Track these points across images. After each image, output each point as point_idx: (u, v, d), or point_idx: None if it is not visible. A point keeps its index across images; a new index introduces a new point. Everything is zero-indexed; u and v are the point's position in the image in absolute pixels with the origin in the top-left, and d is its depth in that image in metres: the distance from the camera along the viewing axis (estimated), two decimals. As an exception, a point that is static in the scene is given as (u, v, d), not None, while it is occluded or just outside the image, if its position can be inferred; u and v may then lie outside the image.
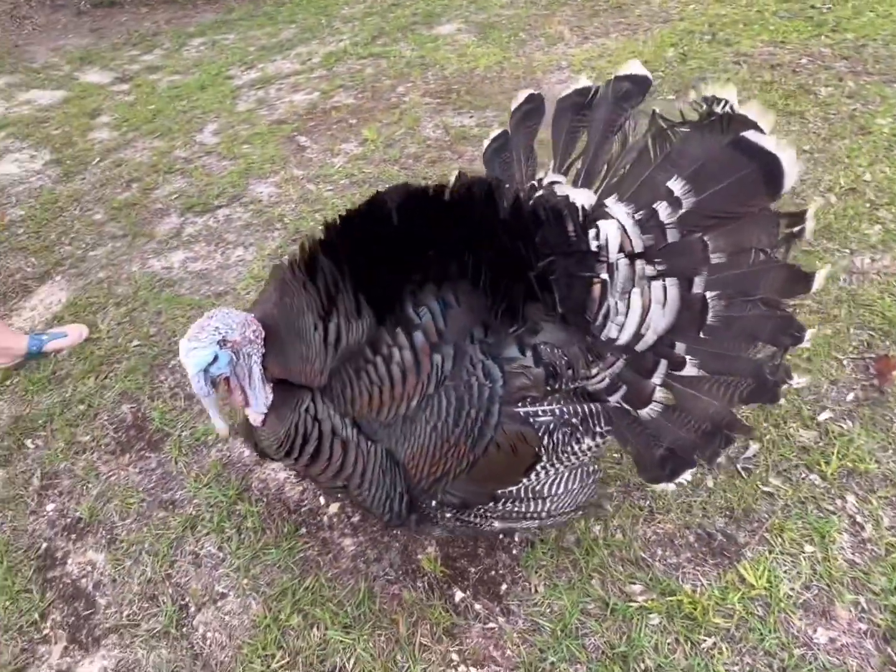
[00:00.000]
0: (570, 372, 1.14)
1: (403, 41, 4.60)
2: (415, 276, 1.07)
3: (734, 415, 1.18)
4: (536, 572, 1.44)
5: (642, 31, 4.15)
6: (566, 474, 1.25)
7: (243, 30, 5.38)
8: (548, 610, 1.37)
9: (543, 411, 1.14)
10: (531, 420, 1.13)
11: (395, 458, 1.13)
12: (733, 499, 1.54)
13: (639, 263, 1.09)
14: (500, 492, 1.21)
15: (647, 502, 1.55)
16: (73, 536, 1.59)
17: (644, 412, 1.18)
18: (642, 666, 1.27)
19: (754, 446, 1.64)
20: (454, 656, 1.32)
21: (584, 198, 1.17)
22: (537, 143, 1.38)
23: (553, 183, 1.25)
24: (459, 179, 1.14)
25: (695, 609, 1.33)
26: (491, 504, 1.22)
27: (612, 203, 1.13)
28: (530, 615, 1.37)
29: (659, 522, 1.52)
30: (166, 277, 2.47)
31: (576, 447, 1.19)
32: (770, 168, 1.01)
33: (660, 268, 1.08)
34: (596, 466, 1.31)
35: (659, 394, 1.17)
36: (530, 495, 1.24)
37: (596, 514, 1.52)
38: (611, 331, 1.13)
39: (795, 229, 1.07)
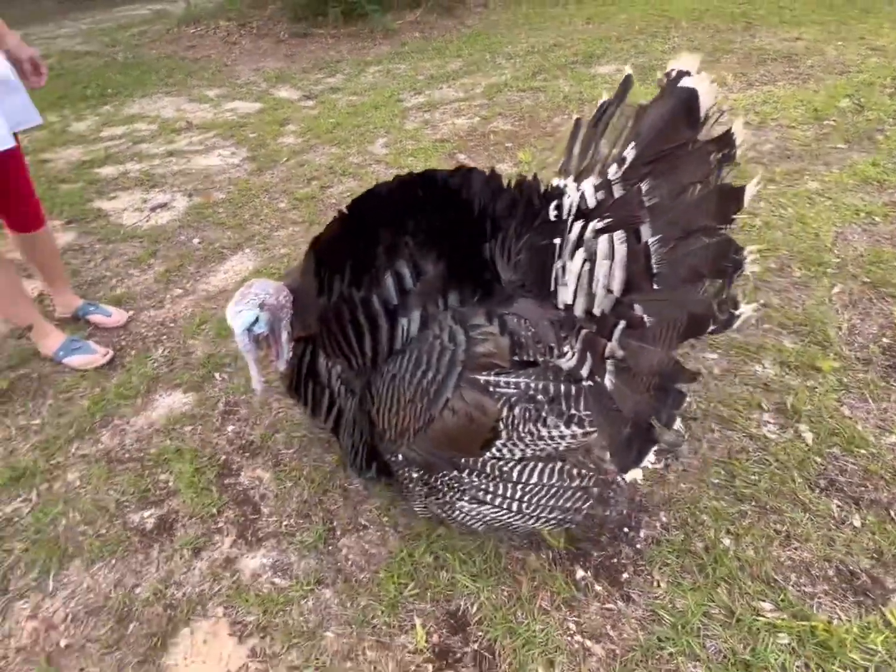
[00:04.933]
0: (538, 345, 1.15)
1: (562, 78, 4.83)
2: (386, 247, 1.19)
3: (676, 361, 1.16)
4: (660, 569, 1.46)
5: (814, 81, 4.05)
6: (540, 465, 1.23)
7: (414, 61, 5.93)
8: (669, 605, 1.39)
9: (507, 382, 1.14)
10: (491, 389, 1.14)
11: (363, 407, 1.24)
12: (883, 542, 1.46)
13: (591, 224, 1.11)
14: (462, 461, 1.22)
15: (785, 527, 1.52)
16: (247, 455, 1.86)
17: (607, 381, 1.17)
18: (767, 677, 1.25)
19: (913, 493, 1.55)
20: (571, 625, 1.38)
21: (561, 181, 1.25)
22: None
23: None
24: (456, 170, 1.27)
25: (830, 638, 1.29)
26: (455, 473, 1.24)
27: (584, 180, 1.19)
28: (651, 605, 1.39)
29: (795, 548, 1.48)
30: (335, 260, 2.80)
31: (542, 430, 1.17)
32: (686, 99, 1.07)
33: (605, 221, 1.10)
34: (585, 472, 1.26)
35: (614, 351, 1.15)
36: (496, 473, 1.23)
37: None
38: (564, 295, 1.15)
39: (726, 151, 1.08)
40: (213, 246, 3.02)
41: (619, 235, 1.08)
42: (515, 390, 1.15)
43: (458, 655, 1.34)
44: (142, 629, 1.43)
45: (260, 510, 1.69)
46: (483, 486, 1.26)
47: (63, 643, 1.42)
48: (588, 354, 1.16)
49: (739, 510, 1.56)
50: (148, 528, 1.66)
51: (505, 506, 1.28)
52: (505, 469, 1.23)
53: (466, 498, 1.28)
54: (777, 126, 3.51)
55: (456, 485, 1.27)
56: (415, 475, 1.27)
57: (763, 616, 1.35)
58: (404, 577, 1.48)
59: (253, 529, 1.64)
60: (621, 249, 1.08)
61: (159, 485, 1.79)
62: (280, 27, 7.73)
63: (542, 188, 1.26)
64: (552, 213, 1.18)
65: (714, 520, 1.54)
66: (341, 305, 1.20)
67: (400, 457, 1.25)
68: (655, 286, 1.10)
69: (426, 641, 1.35)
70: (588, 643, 1.35)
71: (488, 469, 1.23)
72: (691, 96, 1.07)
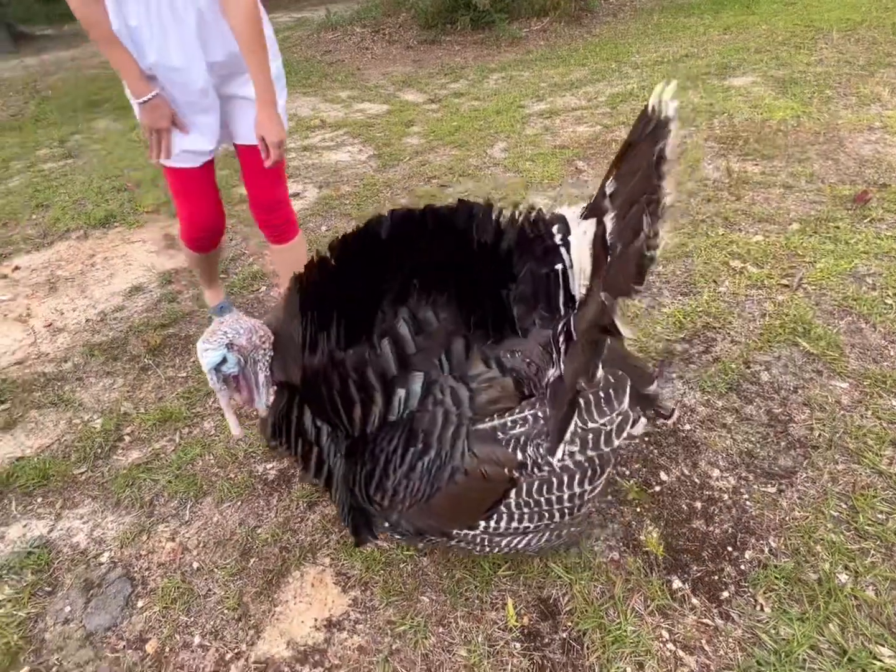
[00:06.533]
0: (538, 375, 1.09)
1: (692, 89, 4.67)
2: (391, 294, 1.11)
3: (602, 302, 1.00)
4: (765, 593, 1.40)
5: None
6: (528, 537, 1.23)
7: (538, 69, 5.98)
8: (772, 630, 1.33)
9: (513, 421, 1.07)
10: (499, 435, 1.07)
11: (351, 476, 1.16)
12: None
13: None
14: (454, 532, 1.20)
15: (914, 573, 1.40)
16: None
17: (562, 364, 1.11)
18: (880, 724, 1.17)
19: None
20: (664, 633, 1.36)
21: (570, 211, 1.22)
22: None
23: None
24: (457, 205, 1.20)
25: (959, 697, 1.18)
26: (443, 539, 1.22)
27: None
28: (752, 628, 1.34)
29: (925, 598, 1.36)
30: (449, 255, 2.92)
31: (556, 457, 1.08)
32: (645, 114, 1.04)
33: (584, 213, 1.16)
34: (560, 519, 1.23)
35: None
36: (485, 543, 1.23)
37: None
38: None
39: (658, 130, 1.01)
40: (338, 234, 3.25)
41: (589, 223, 1.12)
42: (523, 429, 1.07)
43: (547, 640, 1.37)
44: (260, 565, 1.59)
45: (368, 477, 1.81)
46: (468, 549, 1.29)
47: (195, 566, 1.62)
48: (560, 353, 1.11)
49: (861, 547, 1.46)
50: (270, 478, 1.85)
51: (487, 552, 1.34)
52: (495, 540, 1.23)
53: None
54: (939, 147, 3.18)
55: (439, 545, 1.29)
56: (397, 538, 1.27)
57: (881, 660, 1.26)
58: (499, 557, 1.53)
59: (360, 493, 1.77)
60: (590, 229, 1.11)
61: (281, 442, 1.97)
62: (410, 34, 8.09)
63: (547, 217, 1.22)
64: (557, 237, 1.16)
65: (830, 553, 1.46)
66: (330, 371, 1.08)
67: (387, 524, 1.22)
68: (609, 257, 1.04)
69: (516, 621, 1.40)
70: (681, 653, 1.33)
71: (478, 540, 1.23)
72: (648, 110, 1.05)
